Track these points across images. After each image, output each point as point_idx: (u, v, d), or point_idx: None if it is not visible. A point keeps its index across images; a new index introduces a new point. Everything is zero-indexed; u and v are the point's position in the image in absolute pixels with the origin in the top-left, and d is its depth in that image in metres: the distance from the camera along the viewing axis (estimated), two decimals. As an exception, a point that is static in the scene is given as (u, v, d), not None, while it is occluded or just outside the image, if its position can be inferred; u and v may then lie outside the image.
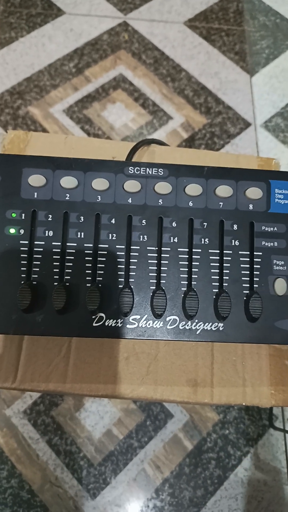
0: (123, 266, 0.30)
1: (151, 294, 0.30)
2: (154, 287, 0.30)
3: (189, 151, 0.43)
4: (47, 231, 0.30)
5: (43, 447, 0.66)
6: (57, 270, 0.30)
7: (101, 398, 0.69)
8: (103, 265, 0.30)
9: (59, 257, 0.30)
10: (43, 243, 0.30)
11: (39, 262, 0.30)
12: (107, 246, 0.30)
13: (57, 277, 0.30)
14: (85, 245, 0.30)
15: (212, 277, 0.30)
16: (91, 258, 0.30)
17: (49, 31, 0.98)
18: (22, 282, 0.29)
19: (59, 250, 0.30)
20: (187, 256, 0.30)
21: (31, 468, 0.64)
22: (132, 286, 0.30)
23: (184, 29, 1.00)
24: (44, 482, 0.64)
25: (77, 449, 0.66)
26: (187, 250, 0.31)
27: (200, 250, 0.31)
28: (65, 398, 0.69)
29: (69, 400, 0.68)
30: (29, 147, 0.41)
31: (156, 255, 0.30)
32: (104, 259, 0.30)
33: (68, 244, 0.30)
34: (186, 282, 0.30)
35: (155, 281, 0.30)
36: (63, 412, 0.68)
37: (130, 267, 0.30)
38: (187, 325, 0.30)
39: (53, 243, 0.30)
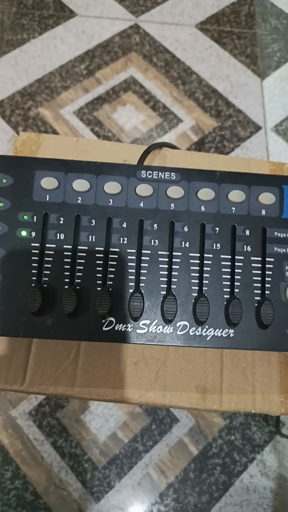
0: (134, 271, 0.30)
1: (162, 299, 0.30)
2: (164, 292, 0.30)
3: (200, 155, 0.43)
4: (58, 234, 0.30)
5: (48, 449, 0.66)
6: (68, 273, 0.30)
7: (106, 401, 0.69)
8: (114, 269, 0.30)
9: (70, 260, 0.30)
10: (54, 246, 0.30)
11: (50, 265, 0.30)
12: (118, 250, 0.30)
13: (68, 280, 0.29)
14: (96, 248, 0.30)
15: (224, 283, 0.30)
16: (102, 262, 0.30)
17: (61, 33, 0.99)
18: (33, 285, 0.29)
19: (70, 253, 0.30)
20: (199, 261, 0.30)
21: (36, 470, 0.64)
22: (142, 291, 0.30)
23: (196, 32, 1.00)
24: (48, 484, 0.64)
25: (82, 451, 0.66)
26: (199, 255, 0.30)
27: (211, 256, 0.30)
28: (71, 400, 0.68)
29: (74, 402, 0.68)
30: (41, 149, 0.41)
31: (167, 259, 0.30)
32: (115, 263, 0.30)
33: (79, 247, 0.30)
34: (197, 288, 0.30)
35: (166, 286, 0.30)
36: (68, 414, 0.68)
37: (141, 271, 0.30)
38: (198, 331, 0.30)
39: (64, 246, 0.30)
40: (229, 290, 0.30)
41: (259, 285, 0.30)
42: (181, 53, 0.97)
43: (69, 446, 0.66)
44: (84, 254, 0.30)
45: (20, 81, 0.92)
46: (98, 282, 0.30)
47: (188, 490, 0.64)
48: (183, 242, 0.30)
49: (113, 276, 0.30)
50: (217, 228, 0.31)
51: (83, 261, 0.30)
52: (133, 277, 0.30)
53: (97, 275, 0.30)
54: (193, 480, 0.65)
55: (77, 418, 0.67)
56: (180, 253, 0.30)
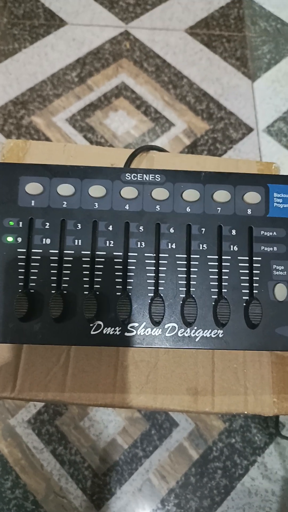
0: (121, 273, 0.30)
1: (149, 301, 0.29)
2: (152, 294, 0.30)
3: (188, 157, 0.43)
4: (44, 239, 0.30)
5: (47, 457, 0.65)
6: (54, 278, 0.29)
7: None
8: (101, 273, 0.30)
9: (56, 265, 0.30)
10: (40, 251, 0.30)
11: (36, 270, 0.30)
12: (104, 253, 0.30)
13: (54, 285, 0.29)
14: (82, 252, 0.30)
15: (211, 283, 0.30)
16: (88, 266, 0.30)
17: (52, 41, 0.99)
18: (20, 290, 0.29)
19: (56, 258, 0.30)
20: (185, 263, 0.30)
21: (36, 478, 0.64)
22: (130, 294, 0.30)
23: (185, 36, 1.00)
24: (48, 492, 0.63)
25: (82, 459, 0.65)
26: (185, 256, 0.30)
27: (198, 256, 0.30)
28: (69, 407, 0.68)
29: (73, 409, 0.68)
30: (28, 155, 0.41)
31: (154, 261, 0.30)
32: (102, 266, 0.30)
33: (65, 251, 0.30)
34: (185, 289, 0.30)
35: (153, 288, 0.30)
36: (67, 421, 0.67)
37: (128, 274, 0.30)
38: (186, 332, 0.29)
39: (50, 251, 0.30)
40: (216, 290, 0.30)
41: (247, 284, 0.30)
42: (172, 57, 0.97)
43: (69, 453, 0.65)
44: (71, 258, 0.30)
45: (12, 90, 0.93)
46: (85, 286, 0.29)
47: (190, 495, 0.64)
48: (169, 244, 0.30)
49: (100, 279, 0.30)
50: (203, 229, 0.31)
51: (70, 265, 0.30)
52: (120, 280, 0.30)
53: (84, 279, 0.30)
54: (194, 484, 0.64)
55: (76, 425, 0.67)
56: (167, 255, 0.30)
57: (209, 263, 0.30)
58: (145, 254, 0.30)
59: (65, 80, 0.94)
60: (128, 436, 0.66)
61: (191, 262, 0.30)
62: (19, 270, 0.30)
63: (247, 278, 0.30)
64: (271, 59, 0.98)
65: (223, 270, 0.30)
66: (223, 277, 0.30)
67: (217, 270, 0.30)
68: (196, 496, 0.63)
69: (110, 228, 0.30)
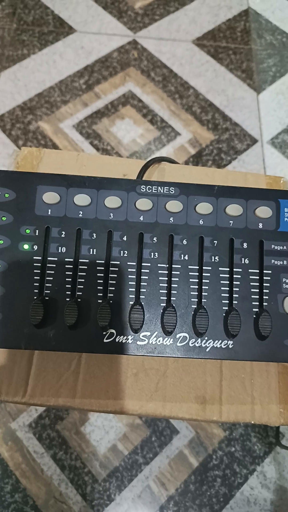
0: (134, 283, 0.30)
1: (162, 311, 0.30)
2: (164, 304, 0.30)
3: (198, 169, 0.44)
4: (60, 248, 0.31)
5: (47, 461, 0.65)
6: (69, 286, 0.30)
7: (106, 413, 0.69)
8: (114, 282, 0.30)
9: (71, 273, 0.30)
10: (56, 259, 0.30)
11: (51, 278, 0.30)
12: (118, 262, 0.31)
13: (69, 293, 0.30)
14: (97, 261, 0.31)
15: (222, 294, 0.31)
16: (102, 275, 0.30)
17: (60, 48, 1.01)
18: (35, 297, 0.30)
19: (71, 266, 0.30)
20: (198, 274, 0.31)
21: (36, 483, 0.64)
22: (142, 303, 0.30)
23: (192, 47, 1.02)
24: (48, 497, 0.63)
25: (82, 464, 0.65)
26: (198, 267, 0.31)
27: (210, 268, 0.31)
28: (71, 412, 0.68)
29: (74, 414, 0.68)
30: (42, 163, 0.42)
31: (167, 272, 0.31)
32: (116, 275, 0.31)
33: (80, 260, 0.30)
34: (196, 300, 0.30)
35: (166, 298, 0.30)
36: (68, 426, 0.67)
37: (141, 284, 0.31)
38: (197, 343, 0.30)
39: (65, 259, 0.30)
40: (227, 302, 0.31)
41: (257, 296, 0.31)
42: (178, 68, 0.99)
43: (69, 458, 0.66)
44: (85, 267, 0.30)
45: (20, 95, 0.94)
46: (99, 294, 0.30)
47: (189, 502, 0.64)
48: (182, 255, 0.31)
49: (113, 288, 0.30)
50: (215, 241, 0.31)
51: (84, 273, 0.30)
52: (134, 289, 0.30)
53: (98, 287, 0.30)
54: (194, 492, 0.64)
55: (77, 430, 0.67)
56: (180, 266, 0.31)
57: (220, 275, 0.31)
58: (158, 265, 0.31)
59: (72, 87, 0.96)
60: (128, 443, 0.67)
61: (203, 274, 0.31)
62: (35, 277, 0.30)
63: (257, 290, 0.31)
64: (276, 72, 0.99)
65: (234, 282, 0.31)
66: (234, 289, 0.31)
67: (228, 282, 0.31)
68: (195, 504, 0.64)
69: (125, 238, 0.31)
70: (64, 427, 0.67)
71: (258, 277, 0.31)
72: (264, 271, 0.31)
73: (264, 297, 0.31)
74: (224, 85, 0.97)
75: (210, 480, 0.65)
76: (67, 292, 0.30)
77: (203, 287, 0.31)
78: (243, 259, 0.31)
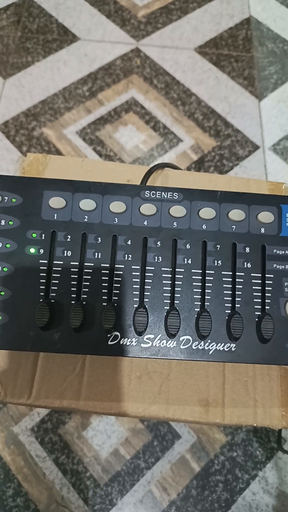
0: (138, 286, 0.31)
1: (165, 314, 0.31)
2: (168, 307, 0.31)
3: (201, 175, 0.45)
4: (66, 251, 0.31)
5: (50, 465, 0.65)
6: (75, 289, 0.31)
7: (108, 417, 0.69)
8: (119, 285, 0.31)
9: (76, 276, 0.31)
10: (61, 262, 0.31)
11: (57, 281, 0.31)
12: (123, 266, 0.31)
13: (75, 296, 0.31)
14: (102, 265, 0.31)
15: (225, 298, 0.31)
16: (107, 278, 0.31)
17: (64, 56, 1.02)
18: (41, 300, 0.30)
19: (77, 270, 0.31)
20: (201, 278, 0.31)
21: (38, 487, 0.64)
22: (146, 306, 0.31)
23: (194, 55, 1.03)
24: (50, 501, 0.63)
25: (84, 468, 0.65)
26: (201, 271, 0.31)
27: (213, 272, 0.31)
28: (73, 416, 0.69)
29: (76, 418, 0.68)
30: (48, 169, 0.42)
31: (170, 276, 0.31)
32: (120, 279, 0.31)
33: (85, 264, 0.31)
34: (199, 303, 0.31)
35: (169, 301, 0.31)
36: (70, 430, 0.68)
37: (145, 287, 0.31)
38: (200, 345, 0.31)
39: (71, 263, 0.31)
40: (230, 305, 0.31)
41: (260, 300, 0.31)
42: (181, 75, 1.00)
43: (71, 463, 0.66)
44: (90, 271, 0.31)
45: (24, 102, 0.95)
46: (103, 297, 0.31)
47: (191, 507, 0.64)
48: (185, 259, 0.32)
49: (118, 291, 0.31)
50: (218, 246, 0.32)
51: (89, 277, 0.31)
52: (138, 293, 0.31)
53: (103, 290, 0.31)
54: (195, 497, 0.64)
55: (79, 435, 0.67)
56: (183, 270, 0.31)
57: (223, 279, 0.31)
58: (162, 268, 0.31)
59: (76, 94, 0.97)
60: (130, 447, 0.67)
61: (206, 278, 0.31)
62: (41, 280, 0.31)
63: (260, 294, 0.31)
64: (277, 80, 1.00)
65: (236, 286, 0.31)
66: (236, 292, 0.31)
67: (231, 286, 0.31)
68: (197, 509, 0.64)
69: (129, 242, 0.32)
70: (66, 431, 0.67)
71: (260, 281, 0.31)
72: (266, 275, 0.32)
73: (266, 300, 0.31)
74: (226, 92, 0.98)
75: (212, 485, 0.65)
76: (72, 295, 0.31)
77: (206, 290, 0.31)
78: (245, 263, 0.32)
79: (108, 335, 0.30)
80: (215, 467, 0.66)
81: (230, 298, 0.31)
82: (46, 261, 0.31)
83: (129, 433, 0.68)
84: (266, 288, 0.31)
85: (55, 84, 0.98)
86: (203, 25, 1.07)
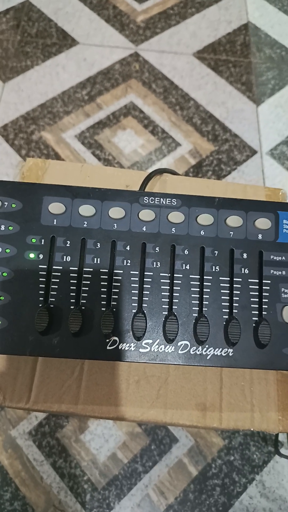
0: (137, 292, 0.31)
1: (164, 319, 0.31)
2: (166, 313, 0.31)
3: (199, 181, 0.45)
4: (65, 256, 0.32)
5: (47, 469, 0.65)
6: (74, 294, 0.31)
7: (106, 421, 0.69)
8: (118, 290, 0.31)
9: (75, 281, 0.31)
10: (61, 267, 0.31)
11: (56, 286, 0.31)
12: (121, 271, 0.32)
13: (74, 301, 0.31)
14: (101, 270, 0.31)
15: (223, 303, 0.31)
16: (106, 283, 0.31)
17: (63, 60, 1.02)
18: (40, 305, 0.30)
19: (76, 275, 0.31)
20: (199, 283, 0.32)
21: (35, 491, 0.64)
22: (145, 311, 0.31)
23: (193, 60, 1.04)
24: (47, 505, 0.63)
25: (82, 472, 0.65)
26: (199, 277, 0.32)
27: (211, 277, 0.32)
28: (71, 420, 0.69)
29: (74, 422, 0.68)
30: (47, 174, 0.43)
31: (169, 281, 0.32)
32: (119, 284, 0.31)
33: (84, 269, 0.31)
34: (197, 308, 0.31)
35: (167, 306, 0.31)
36: (68, 434, 0.68)
37: (144, 292, 0.31)
38: (198, 350, 0.31)
39: (70, 268, 0.31)
40: (228, 310, 0.31)
41: (257, 306, 0.32)
42: (179, 80, 1.01)
43: (69, 466, 0.66)
44: (89, 276, 0.31)
45: (23, 106, 0.96)
46: (102, 302, 0.31)
47: (188, 511, 0.64)
48: (183, 265, 0.32)
49: (117, 297, 0.31)
50: (216, 251, 0.32)
51: (88, 282, 0.31)
52: (136, 298, 0.31)
53: (102, 295, 0.31)
54: (193, 501, 0.65)
55: (77, 438, 0.67)
56: (181, 275, 0.32)
57: (221, 284, 0.32)
58: (161, 274, 0.32)
59: (75, 98, 0.97)
60: (128, 451, 0.67)
61: (204, 283, 0.32)
62: (40, 285, 0.31)
63: (257, 299, 0.32)
64: (275, 85, 1.01)
65: (234, 291, 0.32)
66: (234, 298, 0.32)
67: (228, 291, 0.32)
68: (195, 513, 0.64)
69: (128, 248, 0.32)
70: (64, 435, 0.68)
71: (257, 287, 0.32)
72: (264, 281, 0.32)
73: (263, 306, 0.31)
74: (224, 97, 0.99)
75: (209, 489, 0.65)
76: (71, 300, 0.31)
77: (204, 296, 0.31)
78: (243, 269, 0.32)
79: (107, 340, 0.31)
80: (213, 471, 0.66)
81: (228, 304, 0.31)
82: (45, 266, 0.31)
83: (126, 437, 0.68)
84: (263, 293, 0.32)
85: (54, 88, 0.98)
86: (202, 31, 1.08)
